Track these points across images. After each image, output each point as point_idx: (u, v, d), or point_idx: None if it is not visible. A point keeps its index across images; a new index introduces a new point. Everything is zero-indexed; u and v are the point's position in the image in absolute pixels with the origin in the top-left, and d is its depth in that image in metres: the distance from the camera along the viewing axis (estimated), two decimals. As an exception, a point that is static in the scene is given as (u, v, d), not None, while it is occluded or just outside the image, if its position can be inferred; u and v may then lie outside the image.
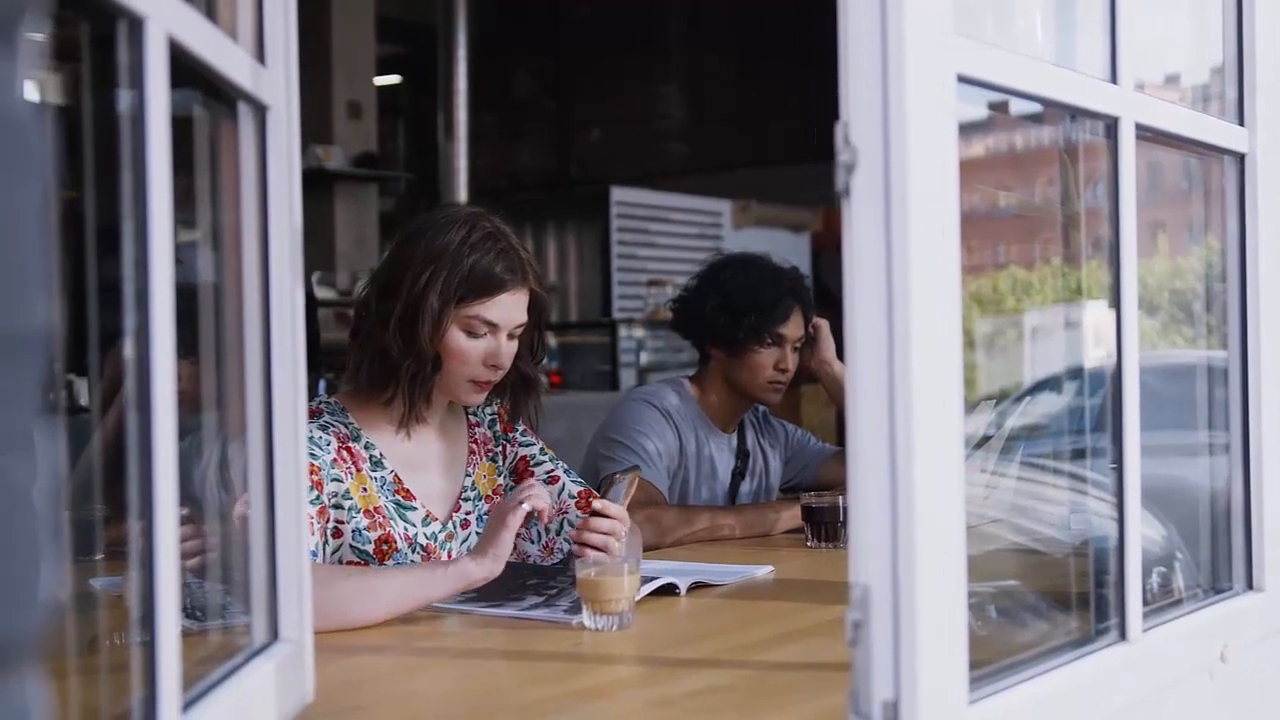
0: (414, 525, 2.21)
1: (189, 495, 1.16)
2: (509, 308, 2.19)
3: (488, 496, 2.34)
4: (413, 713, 1.57)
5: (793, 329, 3.00)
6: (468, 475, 2.33)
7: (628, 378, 7.29)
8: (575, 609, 1.90)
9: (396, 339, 2.15)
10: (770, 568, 2.36)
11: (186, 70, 1.11)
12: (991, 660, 1.33)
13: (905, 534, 1.15)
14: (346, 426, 2.20)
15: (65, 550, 1.07)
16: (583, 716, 1.48)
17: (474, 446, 2.36)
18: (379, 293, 2.19)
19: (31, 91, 0.61)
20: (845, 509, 2.64)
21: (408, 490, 2.22)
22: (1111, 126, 1.50)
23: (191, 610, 1.32)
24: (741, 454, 3.13)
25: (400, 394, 2.20)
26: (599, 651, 1.78)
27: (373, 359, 2.19)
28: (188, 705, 1.09)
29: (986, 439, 2.24)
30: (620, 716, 1.50)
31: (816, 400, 6.49)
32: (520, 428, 2.41)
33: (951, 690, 1.20)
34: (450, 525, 2.27)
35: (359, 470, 2.18)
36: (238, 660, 1.28)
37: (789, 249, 6.34)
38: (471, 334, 2.18)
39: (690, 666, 1.69)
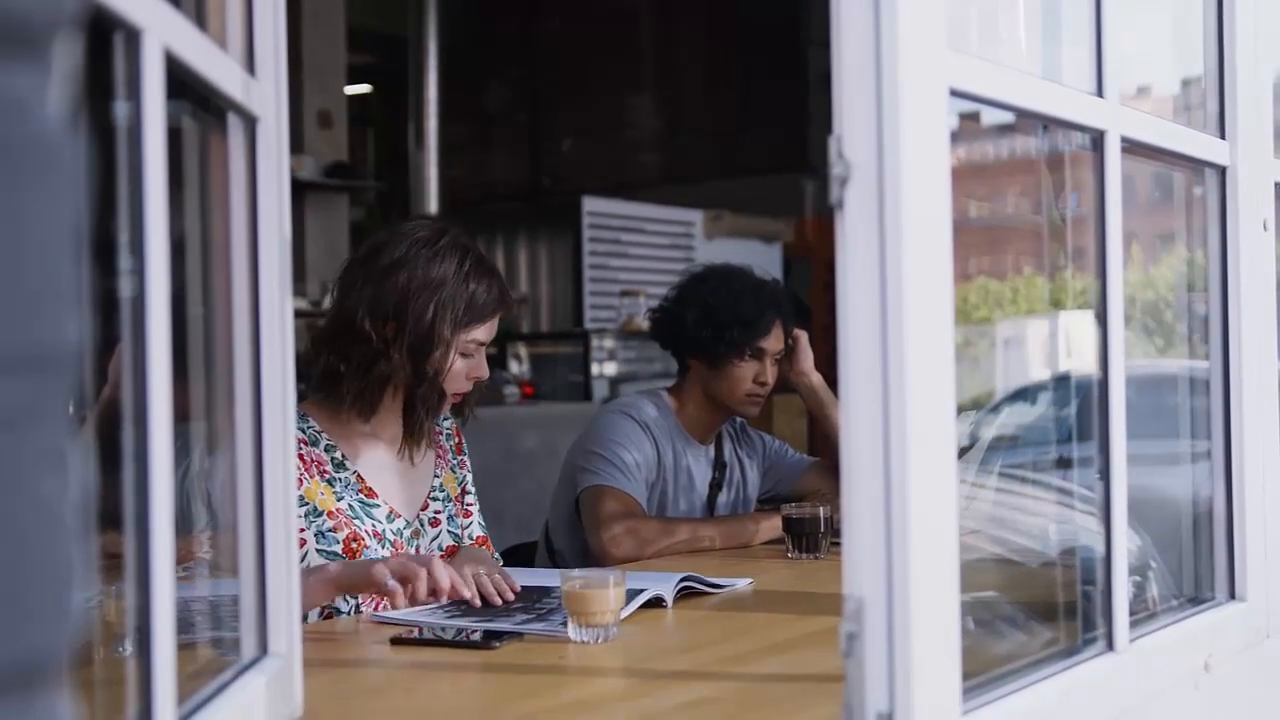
0: (380, 522, 2.26)
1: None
2: (495, 326, 2.32)
3: (455, 498, 2.43)
4: (400, 727, 1.56)
5: (773, 343, 3.00)
6: (436, 476, 2.41)
7: (600, 388, 7.27)
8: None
9: (406, 368, 2.23)
10: (750, 580, 2.36)
11: (178, 81, 1.10)
12: (982, 671, 1.33)
13: (899, 545, 1.15)
14: (304, 431, 2.22)
15: (94, 566, 1.07)
16: (572, 730, 1.48)
17: (440, 450, 2.45)
18: (372, 318, 2.22)
19: (64, 106, 0.61)
20: (826, 520, 2.64)
21: (370, 489, 2.28)
22: (1098, 139, 1.51)
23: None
24: (719, 465, 3.13)
25: (404, 418, 2.29)
26: (585, 664, 1.77)
27: (376, 384, 2.24)
28: (181, 721, 1.08)
29: (964, 450, 2.25)
30: (610, 729, 1.49)
31: (789, 410, 6.50)
32: (462, 455, 2.51)
33: (946, 701, 1.20)
34: (417, 523, 2.35)
35: (313, 477, 2.22)
36: (228, 675, 1.27)
37: (761, 259, 6.34)
38: (464, 355, 2.28)
39: (678, 679, 1.68)
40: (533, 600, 2.12)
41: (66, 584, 0.58)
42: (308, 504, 2.19)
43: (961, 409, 2.27)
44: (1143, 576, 1.82)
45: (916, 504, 1.15)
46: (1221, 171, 1.82)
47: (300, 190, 7.34)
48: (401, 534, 2.30)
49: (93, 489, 1.12)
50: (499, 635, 1.86)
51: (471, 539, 2.40)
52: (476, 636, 1.87)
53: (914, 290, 1.15)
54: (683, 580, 2.18)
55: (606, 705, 1.60)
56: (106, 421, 1.06)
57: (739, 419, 3.18)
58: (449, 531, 2.40)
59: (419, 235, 2.27)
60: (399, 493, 2.33)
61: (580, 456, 2.93)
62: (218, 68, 1.20)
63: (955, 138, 1.52)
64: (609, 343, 7.47)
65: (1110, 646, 1.50)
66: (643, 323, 7.11)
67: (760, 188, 8.60)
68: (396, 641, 1.87)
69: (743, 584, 2.34)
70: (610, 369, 7.44)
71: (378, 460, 2.32)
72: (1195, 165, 1.82)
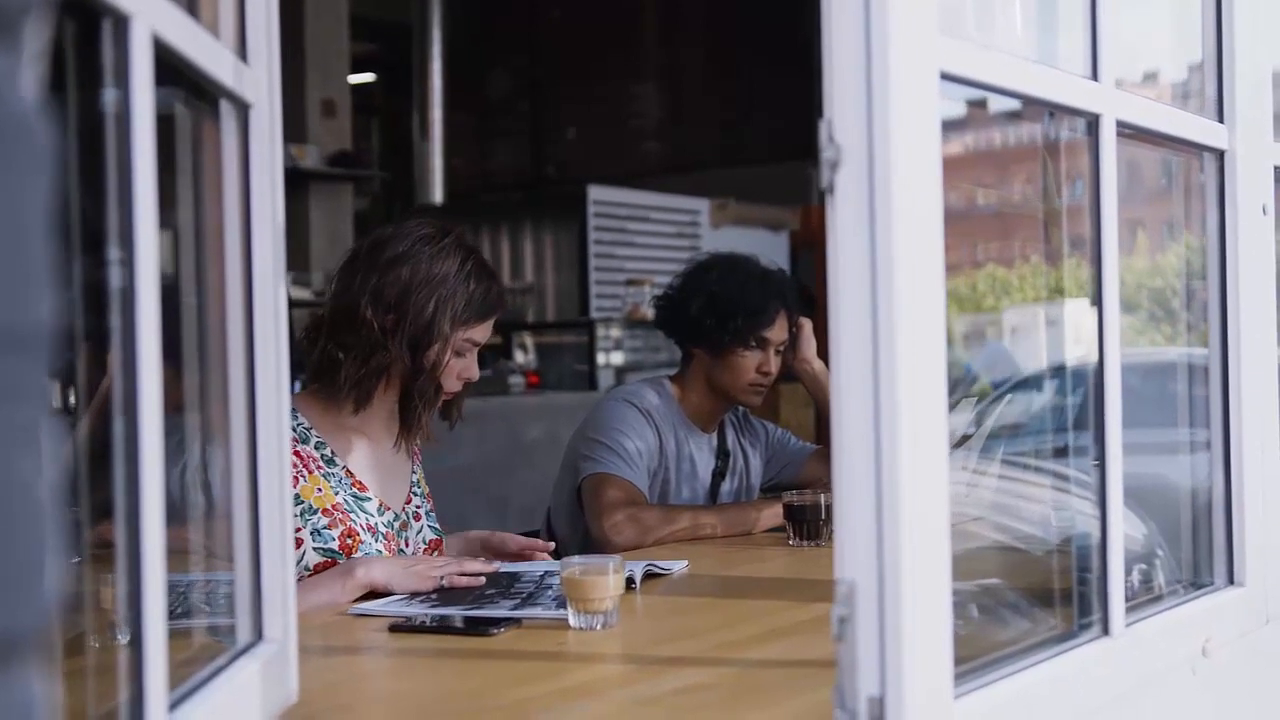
0: (372, 515, 2.30)
1: (168, 497, 1.15)
2: (490, 328, 2.36)
3: (428, 495, 2.48)
4: (397, 713, 1.56)
5: (777, 333, 2.99)
6: (414, 473, 2.46)
7: (606, 378, 7.27)
8: (563, 603, 1.90)
9: (404, 360, 2.26)
10: (685, 562, 2.38)
11: (168, 68, 1.10)
12: (977, 656, 1.33)
13: (890, 530, 1.15)
14: (294, 430, 2.24)
15: (69, 546, 1.08)
16: (568, 715, 1.48)
17: (415, 449, 2.48)
18: (373, 308, 2.24)
19: (36, 88, 0.61)
20: (827, 507, 2.64)
21: (361, 482, 2.31)
22: (1093, 124, 1.50)
23: (171, 609, 1.32)
24: (722, 453, 3.13)
25: (400, 410, 2.32)
26: (583, 650, 1.77)
27: (373, 374, 2.26)
28: (174, 705, 1.08)
29: (966, 437, 2.24)
30: (605, 715, 1.49)
31: (794, 399, 6.50)
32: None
33: (937, 685, 1.20)
34: (404, 515, 2.39)
35: (311, 472, 2.25)
36: (222, 661, 1.28)
37: (767, 248, 6.33)
38: (458, 354, 2.31)
39: (675, 665, 1.69)
40: (506, 586, 2.12)
41: (40, 562, 0.58)
42: (303, 503, 2.21)
43: (968, 396, 2.27)
44: (1148, 564, 1.82)
45: (908, 488, 1.15)
46: (1220, 156, 1.81)
47: (304, 180, 7.35)
48: (392, 526, 2.33)
49: (69, 469, 1.13)
50: (497, 622, 1.86)
51: (424, 543, 2.43)
52: (472, 623, 1.87)
53: (904, 274, 1.15)
54: (646, 571, 2.22)
55: (602, 691, 1.60)
56: (106, 413, 1.06)
57: (742, 407, 3.18)
58: (430, 526, 2.45)
59: (423, 232, 2.30)
60: (385, 487, 2.36)
61: (582, 444, 2.94)
62: (209, 54, 1.20)
63: (962, 125, 1.52)
64: (614, 332, 7.47)
65: (1105, 631, 1.50)
66: (648, 312, 7.12)
67: (766, 176, 8.60)
68: (394, 629, 1.87)
69: (678, 566, 2.36)
70: (616, 358, 7.44)
71: (364, 455, 2.35)
72: (1194, 150, 1.82)
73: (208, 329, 1.35)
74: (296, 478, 2.20)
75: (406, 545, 2.36)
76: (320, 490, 2.24)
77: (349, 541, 2.23)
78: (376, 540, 2.27)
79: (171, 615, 1.12)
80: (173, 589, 1.24)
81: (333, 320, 2.28)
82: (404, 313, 2.24)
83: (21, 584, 0.56)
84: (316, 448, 2.28)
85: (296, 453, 2.22)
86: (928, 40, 1.20)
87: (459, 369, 2.32)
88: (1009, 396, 2.42)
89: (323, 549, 2.20)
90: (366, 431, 2.35)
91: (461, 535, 2.53)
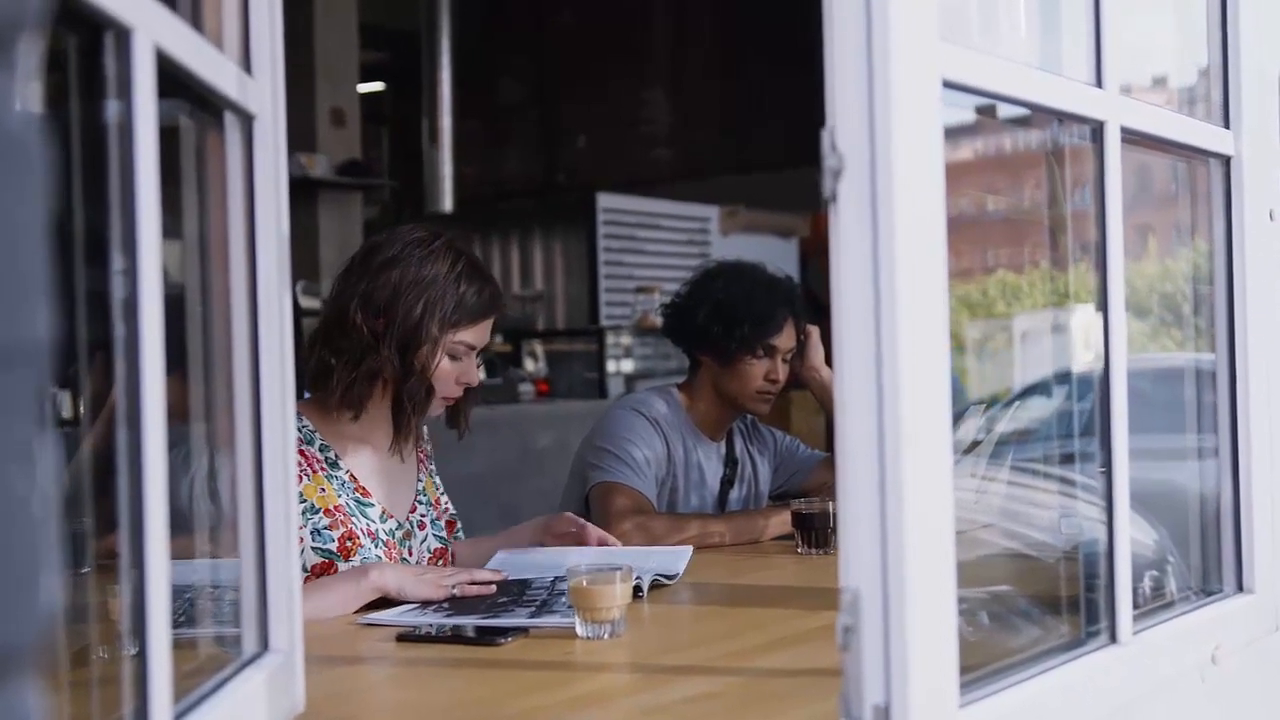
0: (374, 521, 2.30)
1: (177, 507, 1.16)
2: (487, 331, 2.35)
3: (435, 503, 2.47)
4: (404, 722, 1.56)
5: (785, 340, 2.99)
6: (419, 480, 2.45)
7: (615, 385, 7.27)
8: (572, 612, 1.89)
9: (394, 363, 2.25)
10: (689, 549, 2.39)
11: (172, 80, 1.10)
12: (983, 664, 1.33)
13: (895, 538, 1.15)
14: (299, 431, 2.24)
15: (64, 560, 1.08)
16: (574, 724, 1.48)
17: (421, 457, 2.48)
18: (363, 312, 2.24)
19: (30, 104, 0.61)
20: (835, 515, 2.63)
21: (364, 488, 2.32)
22: (1098, 130, 1.50)
23: (177, 619, 1.32)
24: (730, 462, 3.13)
25: (392, 414, 2.31)
26: (591, 660, 1.77)
27: (364, 379, 2.26)
28: (179, 716, 1.08)
29: (976, 443, 2.24)
30: (612, 724, 1.49)
31: (806, 407, 6.48)
32: (432, 464, 2.53)
33: (942, 694, 1.20)
34: (408, 524, 2.38)
35: (315, 473, 2.26)
36: (228, 671, 1.28)
37: (777, 255, 6.32)
38: (453, 357, 2.31)
39: (682, 674, 1.68)
40: (518, 595, 2.12)
41: (34, 577, 0.58)
42: (305, 501, 2.21)
43: (978, 403, 2.25)
44: (1159, 571, 1.82)
45: (912, 496, 1.15)
46: (1226, 161, 1.81)
47: (313, 189, 7.35)
48: (394, 534, 2.33)
49: (76, 480, 1.13)
50: (505, 631, 1.86)
51: (429, 551, 2.43)
52: (480, 633, 1.87)
53: (907, 283, 1.15)
54: (653, 581, 2.21)
55: (609, 700, 1.60)
56: (113, 423, 1.06)
57: (750, 415, 3.17)
58: (434, 535, 2.44)
59: (414, 236, 2.31)
60: (389, 494, 2.36)
61: (590, 453, 2.94)
62: (212, 66, 1.21)
63: (972, 130, 1.52)
64: (624, 340, 7.47)
65: (1113, 639, 1.50)
66: (658, 319, 7.12)
67: (776, 182, 8.57)
68: (401, 638, 1.87)
69: (684, 560, 2.36)
70: (626, 366, 7.43)
71: (367, 462, 2.35)
72: (1199, 155, 1.81)
73: (213, 339, 1.36)
74: (300, 476, 2.20)
75: (410, 554, 2.36)
76: (323, 490, 2.25)
77: (348, 544, 2.23)
78: (376, 546, 2.27)
79: (176, 624, 1.12)
80: (178, 595, 1.24)
81: (326, 327, 2.30)
82: (393, 315, 2.24)
83: (17, 598, 0.57)
84: (321, 450, 2.28)
85: (301, 452, 2.22)
86: (929, 47, 1.20)
87: (456, 373, 2.31)
88: (1019, 402, 2.42)
89: (321, 549, 2.21)
90: (369, 439, 2.35)
91: (527, 525, 2.54)
